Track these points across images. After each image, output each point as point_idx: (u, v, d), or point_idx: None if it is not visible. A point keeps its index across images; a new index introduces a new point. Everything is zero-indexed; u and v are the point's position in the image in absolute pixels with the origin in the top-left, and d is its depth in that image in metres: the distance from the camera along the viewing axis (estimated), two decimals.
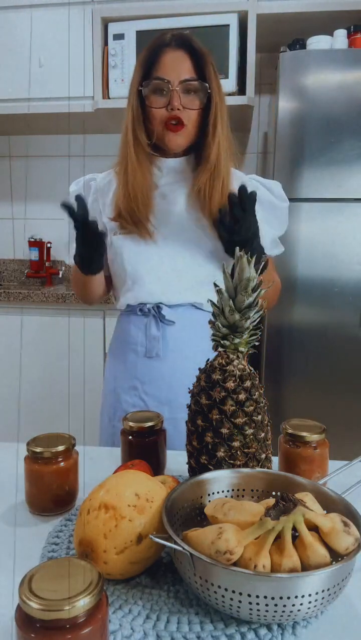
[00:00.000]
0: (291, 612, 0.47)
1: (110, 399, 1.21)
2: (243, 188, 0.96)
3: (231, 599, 0.48)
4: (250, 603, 0.47)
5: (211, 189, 1.09)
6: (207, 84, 1.07)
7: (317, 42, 2.12)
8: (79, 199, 0.96)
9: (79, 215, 0.96)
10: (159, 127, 1.09)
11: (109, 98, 2.37)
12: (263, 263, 0.77)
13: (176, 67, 1.06)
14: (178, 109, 1.05)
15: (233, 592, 0.47)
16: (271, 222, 1.18)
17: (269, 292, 1.16)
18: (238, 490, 0.66)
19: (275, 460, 0.83)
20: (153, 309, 1.14)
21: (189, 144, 1.12)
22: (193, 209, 1.12)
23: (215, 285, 0.72)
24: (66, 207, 0.96)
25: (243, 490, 0.66)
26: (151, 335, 1.14)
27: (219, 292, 0.70)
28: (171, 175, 1.15)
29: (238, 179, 1.15)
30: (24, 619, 0.41)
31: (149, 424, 0.81)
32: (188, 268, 1.13)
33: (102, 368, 2.34)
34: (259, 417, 0.69)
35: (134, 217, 1.10)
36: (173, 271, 1.12)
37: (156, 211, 1.13)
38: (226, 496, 0.65)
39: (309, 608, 0.48)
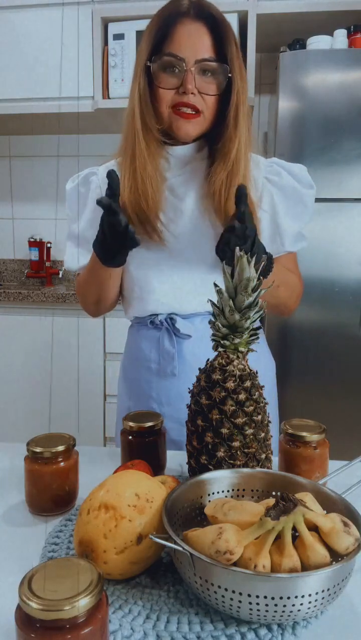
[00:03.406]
0: (291, 612, 0.47)
1: None
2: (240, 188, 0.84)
3: (231, 599, 0.48)
4: (250, 603, 0.47)
5: (228, 189, 0.95)
6: (228, 66, 0.91)
7: (317, 42, 2.12)
8: (112, 176, 0.81)
9: (114, 191, 0.82)
10: (167, 111, 0.94)
11: (109, 98, 2.37)
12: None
13: (193, 42, 0.89)
14: (192, 94, 0.90)
15: (233, 592, 0.47)
16: (294, 212, 1.05)
17: (282, 293, 1.04)
18: (238, 490, 0.66)
19: (275, 460, 0.83)
20: (166, 321, 1.03)
21: (202, 133, 0.98)
22: (206, 210, 0.99)
23: (215, 285, 0.72)
24: (111, 177, 0.81)
25: (243, 490, 0.66)
26: (164, 352, 1.02)
27: (219, 292, 0.70)
28: (179, 165, 1.02)
29: (257, 164, 1.03)
30: (24, 619, 0.41)
31: (149, 424, 0.81)
32: (202, 272, 1.00)
33: (103, 368, 2.35)
34: (259, 417, 0.69)
35: (142, 215, 0.96)
36: (187, 276, 1.00)
37: (164, 208, 1.00)
38: (226, 496, 0.65)
39: (309, 608, 0.48)
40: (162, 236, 0.99)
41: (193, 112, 0.94)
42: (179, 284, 1.01)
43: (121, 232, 0.84)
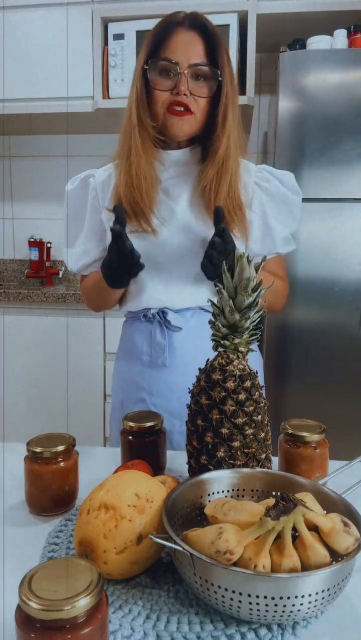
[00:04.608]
0: (291, 612, 0.47)
1: (118, 412, 1.15)
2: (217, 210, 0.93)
3: (231, 599, 0.48)
4: (250, 603, 0.47)
5: (218, 185, 1.01)
6: (218, 71, 0.99)
7: (317, 42, 2.12)
8: (119, 210, 0.91)
9: (120, 224, 0.91)
10: (162, 110, 1.00)
11: (109, 98, 2.37)
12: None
13: (187, 48, 0.97)
14: (185, 95, 0.97)
15: (233, 592, 0.47)
16: (282, 217, 1.11)
17: (268, 295, 1.08)
18: (238, 490, 0.66)
19: (275, 460, 0.83)
20: (158, 315, 1.07)
21: (195, 133, 1.04)
22: (198, 207, 1.05)
23: (215, 285, 0.72)
24: (117, 210, 0.90)
25: (243, 490, 0.66)
26: (155, 343, 1.07)
27: (219, 292, 0.70)
28: (174, 169, 1.07)
29: (248, 170, 1.09)
30: (24, 619, 0.41)
31: (149, 424, 0.81)
32: (194, 269, 1.03)
33: (103, 368, 2.35)
34: (259, 417, 0.69)
35: (136, 208, 1.02)
36: (179, 273, 1.06)
37: (158, 207, 1.05)
38: (226, 496, 0.65)
39: (309, 608, 0.48)
40: (156, 232, 1.04)
41: (185, 111, 0.99)
42: (171, 281, 1.06)
43: (127, 257, 0.93)
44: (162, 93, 0.99)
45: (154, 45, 1.00)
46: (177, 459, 0.88)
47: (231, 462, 0.68)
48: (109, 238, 1.07)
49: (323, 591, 0.48)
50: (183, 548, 0.49)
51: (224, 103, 1.00)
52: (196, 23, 0.99)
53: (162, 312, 1.07)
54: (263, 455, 0.70)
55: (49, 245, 2.90)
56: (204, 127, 1.03)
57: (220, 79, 0.99)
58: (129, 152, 1.02)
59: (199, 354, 0.98)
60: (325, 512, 0.58)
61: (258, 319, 0.72)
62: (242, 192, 1.06)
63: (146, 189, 1.02)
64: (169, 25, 0.99)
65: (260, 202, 1.09)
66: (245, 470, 0.66)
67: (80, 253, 1.14)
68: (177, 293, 1.07)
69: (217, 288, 0.71)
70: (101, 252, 1.13)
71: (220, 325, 0.71)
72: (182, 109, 0.99)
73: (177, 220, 1.05)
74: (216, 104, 1.01)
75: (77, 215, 1.14)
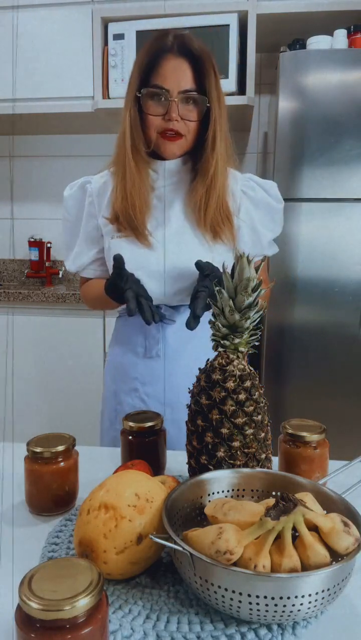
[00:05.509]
0: (291, 612, 0.47)
1: (111, 402, 1.20)
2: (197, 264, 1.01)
3: (231, 599, 0.48)
4: (250, 603, 0.47)
5: (207, 202, 1.09)
6: (206, 97, 1.05)
7: (317, 42, 2.12)
8: (118, 259, 0.99)
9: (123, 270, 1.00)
10: (154, 135, 1.07)
11: (109, 98, 2.37)
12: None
13: (176, 76, 1.03)
14: (176, 120, 1.04)
15: (233, 592, 0.47)
16: (267, 223, 1.18)
17: None
18: (238, 490, 0.66)
19: (275, 460, 0.83)
20: None
21: (186, 152, 1.11)
22: (189, 219, 1.12)
23: (215, 285, 0.72)
24: (117, 260, 0.99)
25: (243, 490, 0.66)
26: (150, 335, 1.13)
27: (219, 292, 0.70)
28: (168, 176, 1.14)
29: (235, 178, 1.16)
30: (24, 619, 0.41)
31: (149, 424, 0.81)
32: (187, 269, 1.09)
33: (102, 368, 2.35)
34: (259, 417, 0.69)
35: (132, 223, 1.10)
36: (173, 273, 1.11)
37: (153, 213, 1.12)
38: (226, 496, 0.65)
39: (309, 608, 0.48)
40: (150, 240, 1.11)
41: (177, 135, 1.06)
42: (165, 281, 1.12)
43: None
44: (154, 118, 1.05)
45: (146, 72, 1.05)
46: (177, 459, 0.88)
47: (231, 462, 0.68)
48: (106, 244, 1.16)
49: (323, 591, 0.48)
50: (183, 548, 0.49)
51: (213, 128, 1.07)
52: (185, 49, 1.03)
53: (157, 307, 1.12)
54: (263, 455, 0.70)
55: (49, 245, 2.89)
56: (194, 144, 1.10)
57: (208, 104, 1.05)
58: (124, 173, 1.09)
59: (190, 346, 1.12)
60: (325, 512, 0.58)
61: (258, 319, 0.72)
62: (230, 200, 1.13)
63: (140, 206, 1.09)
64: (159, 51, 1.04)
65: (247, 209, 1.16)
66: (245, 470, 0.66)
67: (78, 254, 1.22)
68: (172, 291, 1.12)
69: (217, 288, 0.71)
70: (96, 253, 1.21)
71: (220, 325, 0.71)
72: (174, 134, 1.06)
73: (172, 224, 1.12)
74: (206, 124, 1.07)
75: (74, 219, 1.21)
